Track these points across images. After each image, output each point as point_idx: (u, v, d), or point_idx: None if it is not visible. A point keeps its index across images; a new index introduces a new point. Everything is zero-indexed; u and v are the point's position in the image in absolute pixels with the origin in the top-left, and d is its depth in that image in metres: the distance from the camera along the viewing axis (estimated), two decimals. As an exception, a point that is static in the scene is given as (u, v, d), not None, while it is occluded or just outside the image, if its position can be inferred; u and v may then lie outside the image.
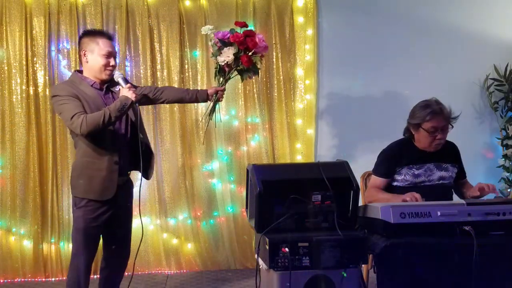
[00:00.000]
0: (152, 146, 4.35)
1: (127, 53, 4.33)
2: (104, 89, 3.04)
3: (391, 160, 3.06)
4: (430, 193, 2.92)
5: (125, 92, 2.93)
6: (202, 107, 4.43)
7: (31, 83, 4.23)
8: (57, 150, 4.26)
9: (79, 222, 2.94)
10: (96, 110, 2.89)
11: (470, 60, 4.68)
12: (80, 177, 2.95)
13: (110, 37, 3.05)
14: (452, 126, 3.00)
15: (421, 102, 3.04)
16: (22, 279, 4.21)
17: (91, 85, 2.99)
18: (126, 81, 3.02)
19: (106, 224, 2.99)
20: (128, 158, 3.06)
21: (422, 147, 3.03)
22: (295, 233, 2.42)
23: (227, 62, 3.25)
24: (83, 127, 2.79)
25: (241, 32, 3.26)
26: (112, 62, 3.01)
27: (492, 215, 2.44)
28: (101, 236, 3.07)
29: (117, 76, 3.02)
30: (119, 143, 3.01)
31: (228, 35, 3.25)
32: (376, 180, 3.12)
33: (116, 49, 4.26)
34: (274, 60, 4.48)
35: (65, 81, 2.98)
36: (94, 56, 2.97)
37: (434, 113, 2.95)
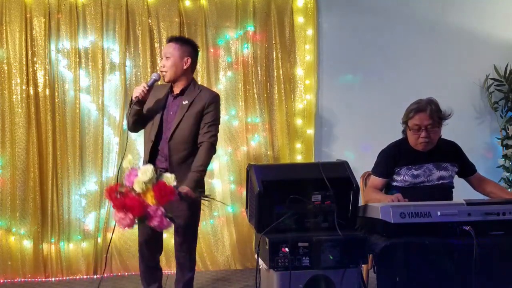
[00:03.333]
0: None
1: (127, 53, 4.32)
2: (175, 95, 3.15)
3: (390, 160, 3.06)
4: (430, 193, 2.92)
5: (137, 87, 3.05)
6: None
7: (31, 83, 4.22)
8: (57, 150, 4.25)
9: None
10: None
11: (470, 60, 4.69)
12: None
13: (170, 39, 3.17)
14: (441, 126, 2.98)
15: (415, 101, 3.04)
16: (22, 279, 4.20)
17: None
18: (152, 81, 3.08)
19: None
20: None
21: (412, 145, 3.03)
22: (295, 233, 2.42)
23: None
24: None
25: None
26: (160, 63, 3.11)
27: (492, 215, 2.44)
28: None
29: (153, 75, 3.12)
30: None
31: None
32: (374, 180, 3.12)
33: (116, 49, 4.30)
34: (274, 60, 4.48)
35: None
36: None
37: (418, 110, 2.95)
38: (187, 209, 3.05)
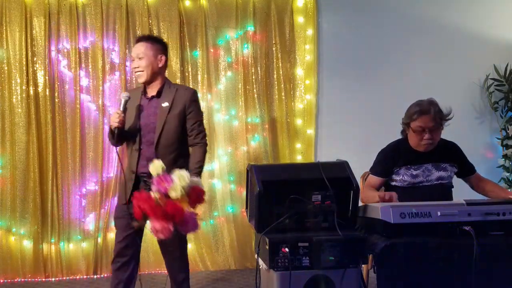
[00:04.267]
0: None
1: (127, 53, 4.32)
2: (150, 97, 3.05)
3: (388, 160, 3.06)
4: (429, 193, 2.92)
5: (112, 115, 2.94)
6: (203, 107, 4.43)
7: (31, 83, 4.23)
8: (57, 150, 4.26)
9: None
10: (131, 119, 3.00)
11: (470, 60, 4.69)
12: None
13: (139, 39, 3.07)
14: (443, 127, 2.99)
15: (415, 102, 3.04)
16: (22, 279, 4.20)
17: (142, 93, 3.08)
18: (124, 104, 2.94)
19: None
20: None
21: (413, 146, 3.03)
22: (295, 233, 2.42)
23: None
24: None
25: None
26: (133, 65, 3.02)
27: (492, 215, 2.44)
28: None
29: (122, 96, 3.00)
30: None
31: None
32: (371, 178, 3.13)
33: (116, 49, 4.30)
34: (274, 60, 4.49)
35: None
36: None
37: (421, 113, 2.94)
38: None
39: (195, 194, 2.55)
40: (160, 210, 2.46)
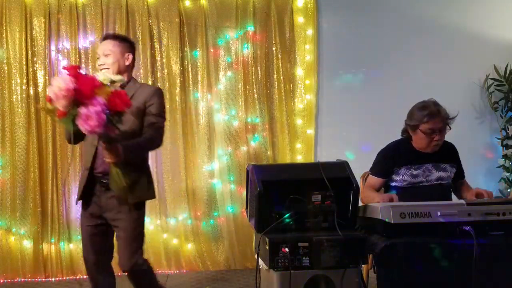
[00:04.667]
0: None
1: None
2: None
3: (388, 160, 3.07)
4: (429, 193, 2.92)
5: None
6: (202, 107, 4.44)
7: (31, 83, 4.23)
8: (57, 150, 4.26)
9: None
10: None
11: (470, 60, 4.69)
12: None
13: (105, 37, 2.94)
14: (450, 128, 3.00)
15: (419, 103, 3.03)
16: (22, 279, 4.20)
17: None
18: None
19: None
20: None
21: (420, 148, 3.03)
22: (295, 233, 2.42)
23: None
24: None
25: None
26: (99, 62, 2.89)
27: (492, 215, 2.44)
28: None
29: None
30: None
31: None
32: (371, 179, 3.13)
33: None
34: (274, 60, 4.48)
35: None
36: None
37: (431, 115, 2.94)
38: (127, 212, 2.79)
39: (120, 94, 2.41)
40: (76, 74, 2.31)
